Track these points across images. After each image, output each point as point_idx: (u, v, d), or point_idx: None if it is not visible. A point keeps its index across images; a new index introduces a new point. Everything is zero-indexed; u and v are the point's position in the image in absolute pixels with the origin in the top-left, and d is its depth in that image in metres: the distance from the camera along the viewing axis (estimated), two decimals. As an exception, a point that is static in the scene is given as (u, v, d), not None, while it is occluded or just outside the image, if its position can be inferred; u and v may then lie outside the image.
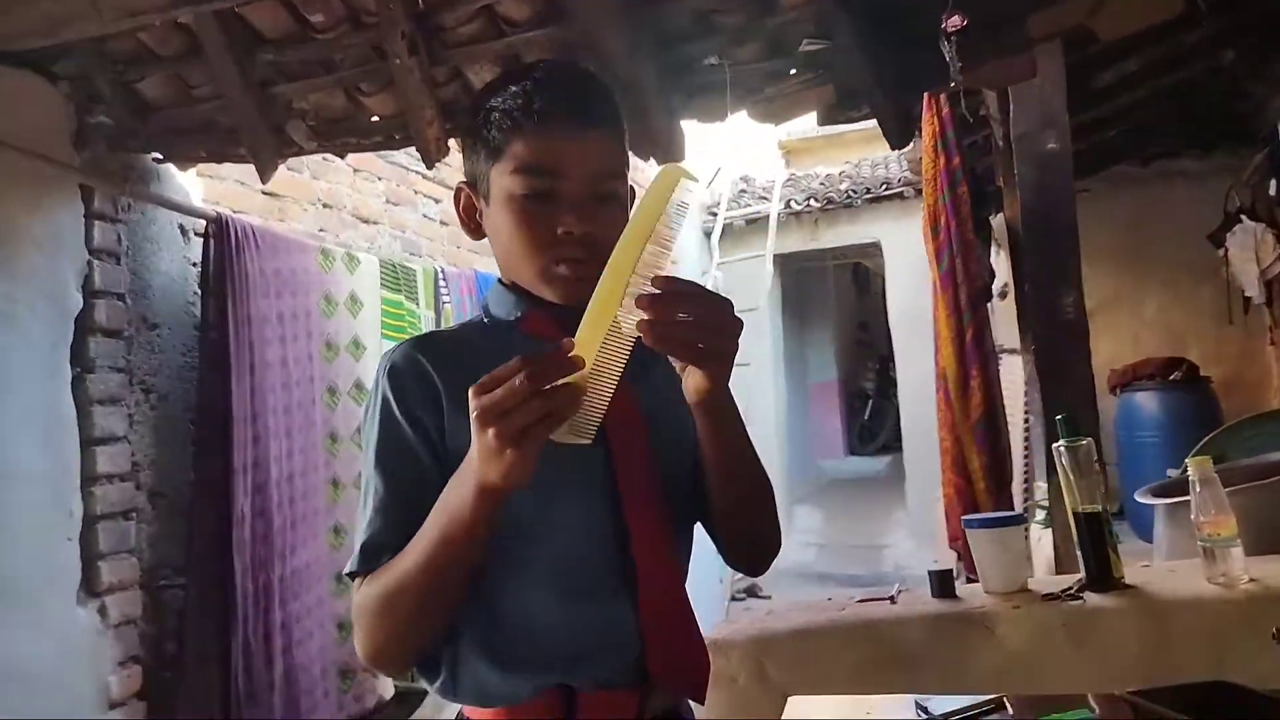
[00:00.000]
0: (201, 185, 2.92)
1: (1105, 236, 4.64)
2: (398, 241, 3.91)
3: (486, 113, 0.95)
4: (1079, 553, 1.69)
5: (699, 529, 1.04)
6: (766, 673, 1.70)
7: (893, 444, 9.73)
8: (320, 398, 3.03)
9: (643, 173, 1.07)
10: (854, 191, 7.26)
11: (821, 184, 7.66)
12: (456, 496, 0.81)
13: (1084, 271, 2.52)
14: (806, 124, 2.41)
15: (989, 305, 3.69)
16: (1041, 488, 2.72)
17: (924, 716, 1.05)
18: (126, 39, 2.22)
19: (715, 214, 7.49)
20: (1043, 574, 2.44)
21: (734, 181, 7.83)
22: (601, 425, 0.93)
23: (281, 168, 2.50)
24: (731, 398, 0.89)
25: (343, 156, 2.77)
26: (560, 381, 0.73)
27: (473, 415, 0.73)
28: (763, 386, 7.39)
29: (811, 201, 7.38)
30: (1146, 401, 4.48)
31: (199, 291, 2.79)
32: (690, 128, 2.26)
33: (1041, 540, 2.63)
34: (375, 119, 2.36)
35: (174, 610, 2.63)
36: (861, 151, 8.03)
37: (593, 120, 0.93)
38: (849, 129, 2.55)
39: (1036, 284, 2.57)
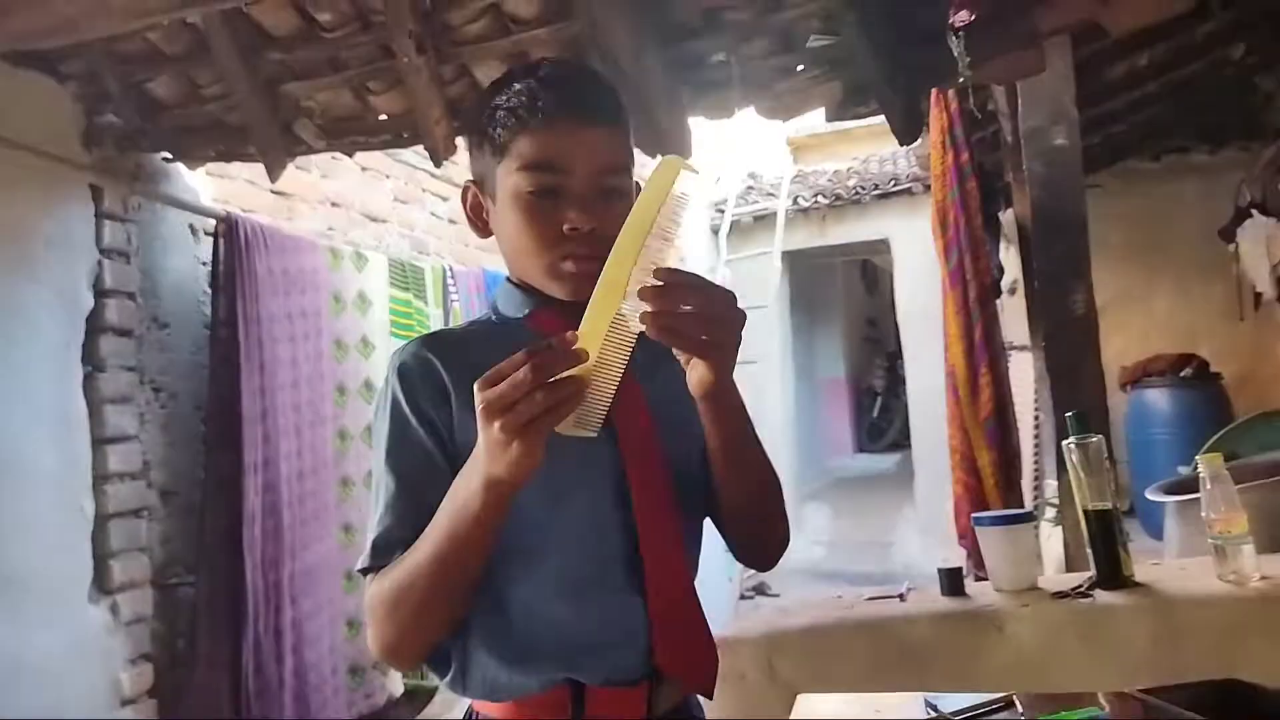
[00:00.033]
0: (211, 184, 2.93)
1: (1115, 232, 4.62)
2: (406, 240, 3.92)
3: (491, 111, 0.95)
4: (1089, 550, 1.68)
5: (709, 526, 1.04)
6: (776, 670, 1.69)
7: (901, 441, 9.71)
8: (330, 396, 3.04)
9: (650, 170, 1.06)
10: (862, 188, 7.23)
11: (829, 180, 7.64)
12: (464, 491, 0.81)
13: (1094, 267, 2.51)
14: (814, 120, 2.40)
15: (998, 302, 3.67)
16: (1051, 485, 2.72)
17: (933, 714, 1.05)
18: (135, 39, 2.23)
19: (723, 211, 7.48)
20: (1053, 572, 2.43)
21: (742, 178, 7.82)
22: (610, 422, 0.93)
23: (290, 167, 2.51)
24: (736, 390, 0.89)
25: (351, 155, 2.78)
26: (564, 374, 0.73)
27: (478, 409, 0.74)
28: (771, 384, 7.38)
29: (819, 198, 7.36)
30: (1157, 398, 4.47)
31: (209, 290, 2.80)
32: (698, 124, 2.26)
33: (1051, 538, 2.62)
34: (383, 118, 2.37)
35: (185, 608, 2.65)
36: (869, 147, 8.00)
37: (597, 116, 0.94)
38: (857, 125, 2.55)
39: (1046, 280, 2.56)
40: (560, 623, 0.92)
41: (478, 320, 1.10)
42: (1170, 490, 2.72)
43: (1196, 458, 1.63)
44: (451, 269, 3.79)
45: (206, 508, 2.65)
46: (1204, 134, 4.78)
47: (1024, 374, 4.07)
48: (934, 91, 3.28)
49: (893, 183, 7.08)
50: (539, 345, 0.73)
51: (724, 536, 1.03)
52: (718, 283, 0.81)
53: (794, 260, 7.88)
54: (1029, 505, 3.57)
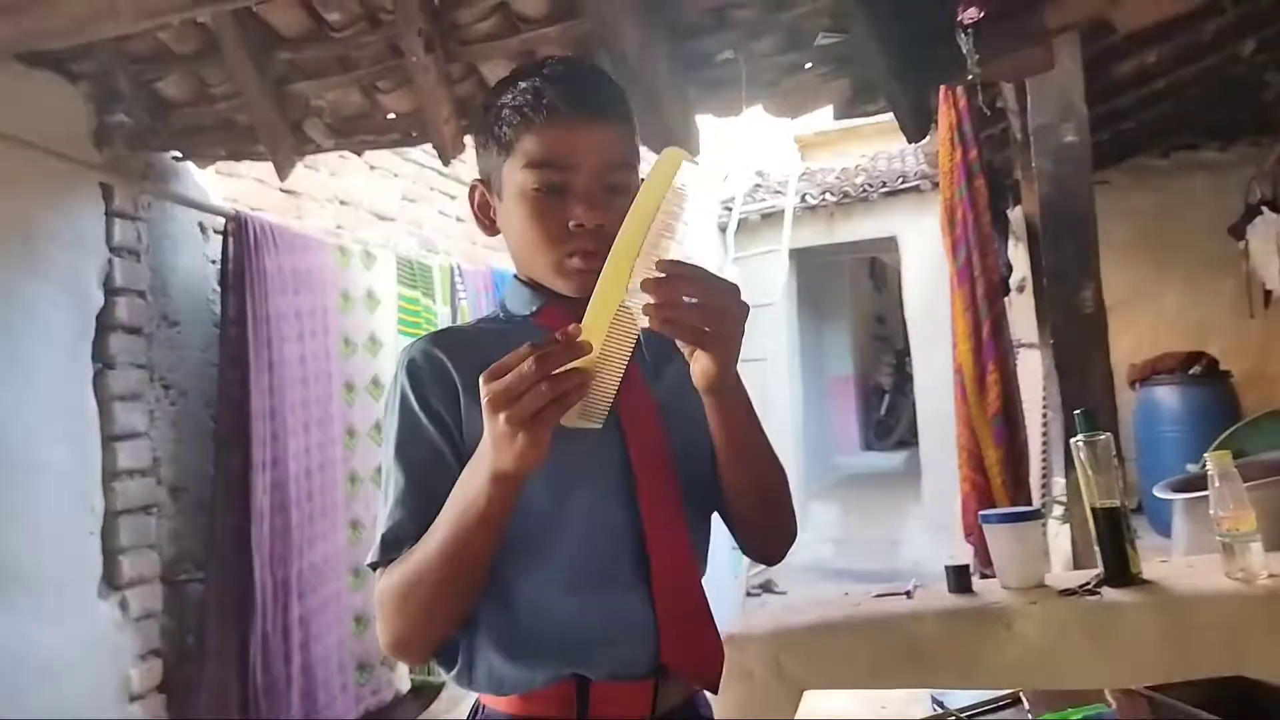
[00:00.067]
0: (220, 183, 2.94)
1: (1124, 229, 4.61)
2: (414, 238, 3.92)
3: (497, 110, 0.96)
4: (1097, 548, 1.68)
5: (717, 522, 1.05)
6: (783, 667, 1.70)
7: (909, 439, 9.70)
8: (338, 393, 3.05)
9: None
10: (870, 185, 7.22)
11: (837, 178, 7.63)
12: (471, 484, 0.82)
13: (1103, 265, 2.51)
14: (822, 118, 2.40)
15: (1006, 299, 3.67)
16: (1059, 483, 2.71)
17: (940, 711, 1.05)
18: (145, 39, 2.24)
19: (730, 209, 7.47)
20: (1060, 570, 2.43)
21: (749, 176, 7.81)
22: (617, 417, 0.94)
23: (299, 166, 2.52)
24: (740, 382, 0.89)
25: (360, 154, 2.79)
26: (568, 366, 0.74)
27: (484, 401, 0.75)
28: (779, 381, 7.37)
29: (827, 195, 7.35)
30: (1166, 396, 4.45)
31: (218, 288, 2.81)
32: (706, 122, 2.26)
33: (1059, 536, 2.62)
34: (392, 116, 2.37)
35: (194, 604, 2.66)
36: (877, 145, 7.98)
37: (601, 112, 0.94)
38: (865, 122, 2.55)
39: (1055, 277, 2.56)
40: (566, 617, 0.92)
41: (486, 318, 1.11)
42: (1178, 488, 2.72)
43: (1205, 455, 1.62)
44: (459, 267, 3.80)
45: (216, 504, 2.66)
46: (1214, 130, 4.77)
47: (1032, 371, 4.07)
48: (942, 89, 3.27)
49: (901, 180, 7.06)
50: (543, 338, 0.74)
51: (731, 531, 1.04)
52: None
53: (802, 258, 7.87)
54: (1037, 503, 3.56)
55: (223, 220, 2.76)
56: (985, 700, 1.05)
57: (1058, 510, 2.68)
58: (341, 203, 3.51)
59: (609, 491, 0.94)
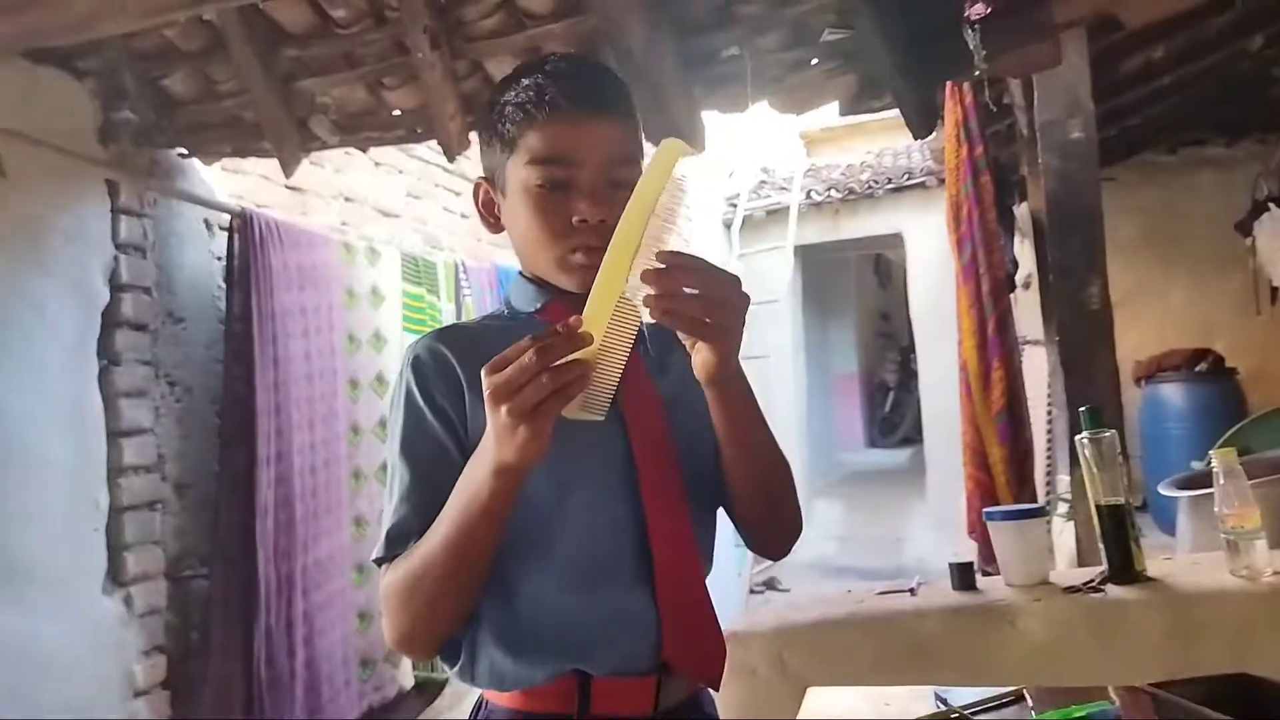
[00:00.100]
0: (225, 180, 2.95)
1: (1131, 226, 4.59)
2: (419, 235, 3.93)
3: (500, 107, 0.97)
4: (1101, 545, 1.68)
5: (723, 519, 1.05)
6: (786, 664, 1.70)
7: (914, 436, 9.69)
8: (342, 390, 3.06)
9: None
10: (875, 182, 7.21)
11: (842, 174, 7.62)
12: (474, 478, 0.82)
13: (1109, 261, 2.50)
14: (827, 114, 2.39)
15: (1012, 296, 3.66)
16: (1064, 480, 2.71)
17: (943, 708, 1.05)
18: (151, 35, 2.24)
19: (735, 205, 7.46)
20: (1064, 567, 2.43)
21: (754, 172, 7.80)
22: (620, 412, 0.94)
23: (304, 162, 2.52)
24: (742, 374, 0.89)
25: (365, 151, 2.79)
26: (569, 357, 0.74)
27: (485, 394, 0.75)
28: (783, 378, 7.37)
29: (832, 192, 7.34)
30: (1171, 393, 4.44)
31: (223, 285, 2.82)
32: (711, 118, 2.25)
33: (1064, 533, 2.62)
34: (397, 113, 2.37)
35: (198, 600, 2.67)
36: (883, 141, 7.98)
37: (603, 108, 0.95)
38: (870, 118, 2.55)
39: (1061, 274, 2.55)
40: (567, 613, 0.92)
41: (491, 315, 1.11)
42: (1183, 485, 2.71)
43: (1210, 452, 1.62)
44: (464, 264, 3.80)
45: (220, 501, 2.67)
46: (1221, 126, 4.75)
47: (1038, 368, 4.06)
48: (948, 84, 3.27)
49: (906, 176, 7.05)
50: (544, 331, 0.75)
51: (735, 525, 1.04)
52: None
53: (806, 255, 7.87)
54: (1041, 500, 3.56)
55: (228, 217, 2.76)
56: (989, 697, 1.05)
57: (1062, 507, 2.68)
58: (346, 199, 3.52)
59: (611, 486, 0.94)
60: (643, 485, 0.94)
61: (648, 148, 1.02)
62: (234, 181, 2.99)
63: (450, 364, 0.96)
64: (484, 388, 0.75)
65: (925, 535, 6.84)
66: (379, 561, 0.93)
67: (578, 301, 0.93)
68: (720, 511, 1.05)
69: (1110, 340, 2.49)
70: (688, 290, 0.78)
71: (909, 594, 1.77)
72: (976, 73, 1.94)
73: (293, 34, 2.20)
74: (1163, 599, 1.58)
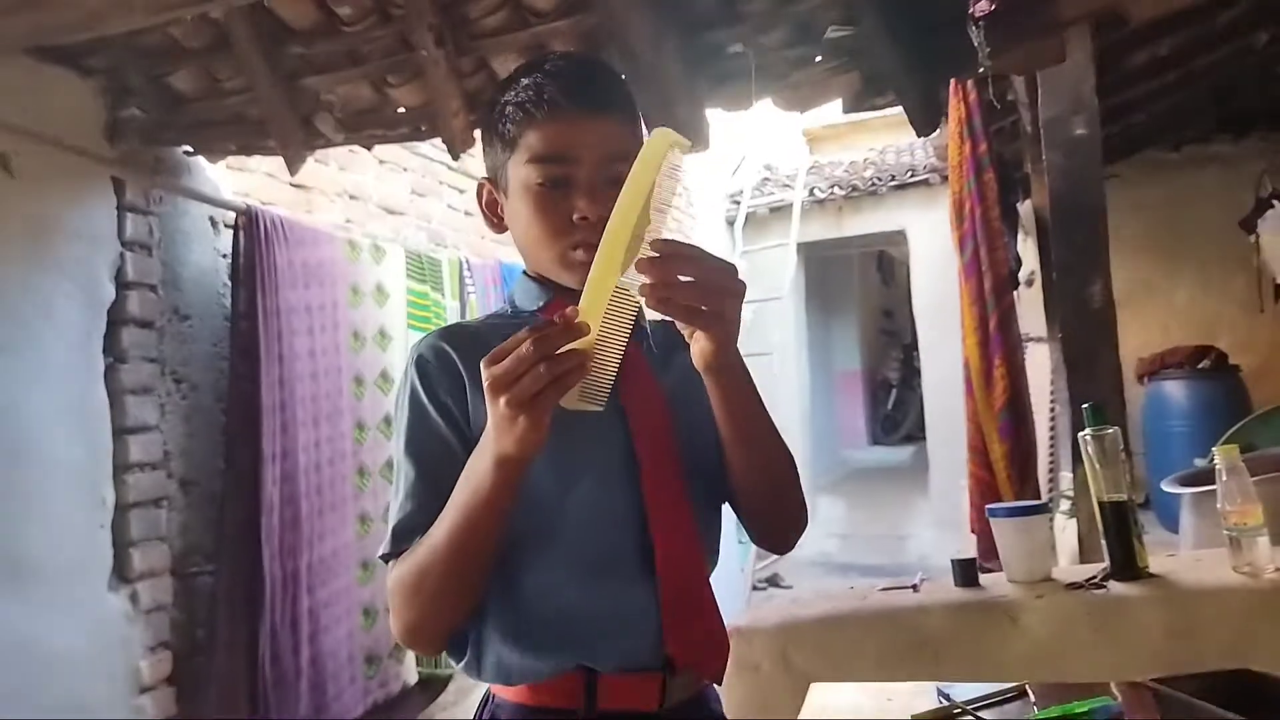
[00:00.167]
0: (231, 178, 2.95)
1: (1135, 223, 4.59)
2: (423, 232, 3.93)
3: (501, 107, 0.98)
4: (1104, 542, 1.68)
5: (727, 514, 1.05)
6: (790, 660, 1.70)
7: (916, 434, 9.69)
8: (347, 388, 3.07)
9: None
10: (879, 179, 7.20)
11: (846, 171, 7.62)
12: (476, 471, 0.83)
13: (1113, 259, 2.49)
14: (831, 111, 2.39)
15: (1015, 293, 3.66)
16: (1066, 477, 2.71)
17: (946, 704, 1.06)
18: (157, 33, 2.25)
19: (738, 202, 7.46)
20: (1067, 564, 2.43)
21: (757, 170, 7.80)
22: (622, 408, 0.95)
23: (309, 160, 2.53)
24: (741, 362, 0.89)
25: (369, 149, 2.79)
26: (567, 348, 0.75)
27: (485, 386, 0.76)
28: (786, 376, 7.37)
29: (836, 189, 7.33)
30: (1174, 391, 4.44)
31: (229, 282, 2.83)
32: (714, 116, 2.26)
33: (1066, 530, 2.62)
34: (402, 110, 2.38)
35: (204, 597, 2.68)
36: (886, 138, 7.97)
37: (602, 106, 0.96)
38: (873, 115, 2.54)
39: (1064, 271, 2.55)
40: (570, 606, 0.93)
41: (495, 313, 1.12)
42: (1186, 482, 2.71)
43: (1213, 449, 1.62)
44: (468, 261, 3.81)
45: (226, 498, 2.68)
46: (1225, 123, 4.74)
47: (1041, 365, 4.06)
48: (952, 81, 3.26)
49: (910, 174, 7.05)
50: (541, 322, 0.76)
51: (739, 518, 1.04)
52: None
53: (810, 252, 7.86)
54: (1044, 497, 3.56)
55: (233, 214, 2.77)
56: (991, 693, 1.06)
57: (1065, 504, 2.68)
58: (351, 197, 3.52)
59: (613, 479, 0.95)
60: (644, 478, 0.95)
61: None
62: (239, 179, 2.99)
63: (453, 362, 0.96)
64: (483, 379, 0.76)
65: (928, 533, 6.84)
66: (385, 557, 0.94)
67: (580, 298, 0.94)
68: (724, 507, 1.05)
69: (1113, 337, 2.49)
70: (683, 278, 0.78)
71: (912, 590, 1.77)
72: (980, 70, 1.94)
73: (298, 31, 2.20)
74: (1165, 595, 1.59)
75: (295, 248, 2.85)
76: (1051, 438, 4.19)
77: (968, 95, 3.41)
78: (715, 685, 1.02)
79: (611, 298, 0.78)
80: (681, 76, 2.13)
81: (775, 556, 6.14)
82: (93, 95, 2.47)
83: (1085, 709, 0.95)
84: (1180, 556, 1.92)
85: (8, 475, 2.18)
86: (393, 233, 3.70)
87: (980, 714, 1.01)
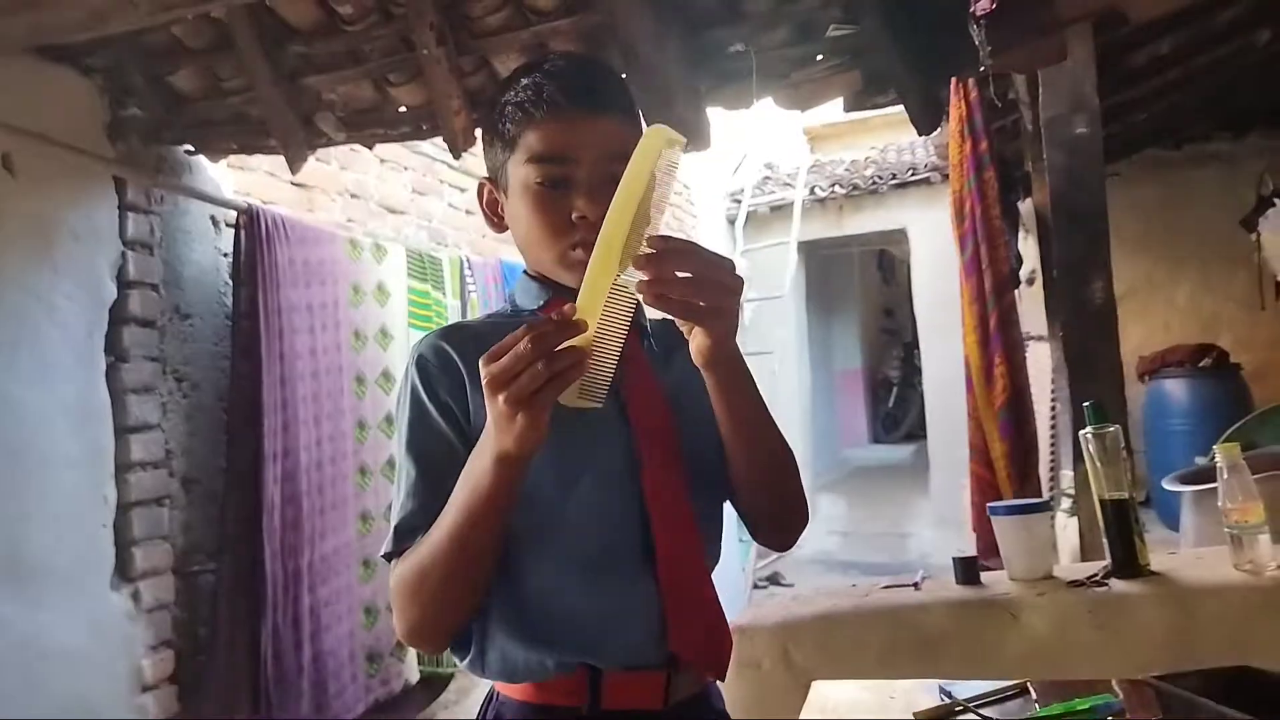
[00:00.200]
0: (232, 177, 2.96)
1: (1136, 221, 4.59)
2: (424, 231, 3.94)
3: (501, 107, 0.99)
4: (1105, 540, 1.68)
5: (730, 513, 1.05)
6: (791, 658, 1.71)
7: (917, 432, 9.69)
8: (349, 386, 3.07)
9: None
10: (879, 177, 7.20)
11: (847, 170, 7.62)
12: (476, 469, 0.84)
13: (1113, 257, 2.50)
14: (832, 110, 2.39)
15: (1016, 292, 3.66)
16: (1067, 475, 2.71)
17: (948, 701, 1.06)
18: (159, 33, 2.25)
19: (739, 201, 7.46)
20: (1068, 562, 2.43)
21: (758, 168, 7.80)
22: (622, 403, 0.95)
23: (309, 159, 2.53)
24: (740, 357, 0.89)
25: (371, 147, 2.79)
26: (565, 345, 0.75)
27: (483, 384, 0.76)
28: (787, 374, 7.37)
29: (836, 188, 7.33)
30: (1175, 389, 4.44)
31: (230, 282, 2.83)
32: (716, 114, 2.26)
33: (1067, 529, 2.62)
34: (403, 109, 2.38)
35: (206, 595, 2.68)
36: (887, 137, 7.98)
37: (601, 105, 0.96)
38: (874, 114, 2.54)
39: (1065, 270, 2.55)
40: (573, 605, 0.93)
41: (496, 313, 1.12)
42: (1187, 480, 2.72)
43: (1214, 447, 1.62)
44: (469, 260, 3.81)
45: (228, 496, 2.68)
46: (1227, 121, 4.74)
47: (1042, 364, 4.06)
48: (953, 80, 3.26)
49: (910, 172, 7.05)
50: (539, 319, 0.76)
51: (741, 515, 1.04)
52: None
53: (810, 250, 7.87)
54: (1045, 495, 3.56)
55: (235, 213, 2.77)
56: (993, 690, 1.06)
57: (1066, 502, 2.68)
58: (352, 196, 3.53)
59: (614, 476, 0.95)
60: (645, 476, 0.95)
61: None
62: (240, 178, 3.00)
63: (454, 361, 0.97)
64: (482, 377, 0.76)
65: (929, 531, 6.85)
66: (388, 556, 0.94)
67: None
68: (725, 505, 1.06)
69: (1114, 336, 2.49)
70: (680, 274, 0.78)
71: (913, 588, 1.77)
72: (981, 68, 1.93)
73: (299, 31, 2.21)
74: (1166, 593, 1.59)
75: (296, 246, 2.85)
76: (1053, 436, 4.19)
77: (968, 94, 3.41)
78: (718, 682, 1.02)
79: (609, 295, 0.78)
80: (682, 75, 2.13)
81: (776, 555, 6.14)
82: (94, 94, 2.47)
83: (1086, 706, 0.95)
84: (1181, 554, 1.93)
85: (9, 474, 2.18)
86: (394, 231, 3.70)
87: (982, 711, 1.01)
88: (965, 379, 3.47)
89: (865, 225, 7.45)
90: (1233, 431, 3.25)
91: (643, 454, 0.96)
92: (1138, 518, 1.66)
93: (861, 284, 11.61)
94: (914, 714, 1.02)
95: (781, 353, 7.17)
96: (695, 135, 2.20)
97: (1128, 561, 1.64)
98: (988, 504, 1.81)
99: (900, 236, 7.42)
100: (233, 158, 2.84)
